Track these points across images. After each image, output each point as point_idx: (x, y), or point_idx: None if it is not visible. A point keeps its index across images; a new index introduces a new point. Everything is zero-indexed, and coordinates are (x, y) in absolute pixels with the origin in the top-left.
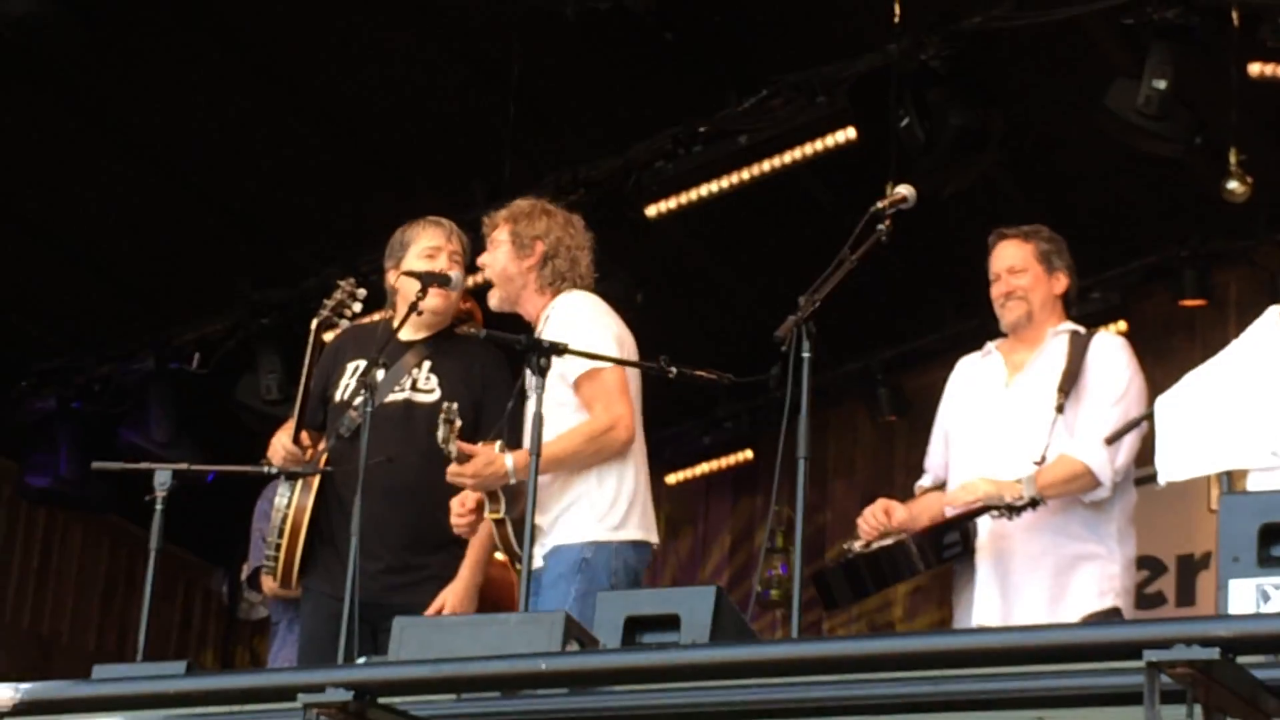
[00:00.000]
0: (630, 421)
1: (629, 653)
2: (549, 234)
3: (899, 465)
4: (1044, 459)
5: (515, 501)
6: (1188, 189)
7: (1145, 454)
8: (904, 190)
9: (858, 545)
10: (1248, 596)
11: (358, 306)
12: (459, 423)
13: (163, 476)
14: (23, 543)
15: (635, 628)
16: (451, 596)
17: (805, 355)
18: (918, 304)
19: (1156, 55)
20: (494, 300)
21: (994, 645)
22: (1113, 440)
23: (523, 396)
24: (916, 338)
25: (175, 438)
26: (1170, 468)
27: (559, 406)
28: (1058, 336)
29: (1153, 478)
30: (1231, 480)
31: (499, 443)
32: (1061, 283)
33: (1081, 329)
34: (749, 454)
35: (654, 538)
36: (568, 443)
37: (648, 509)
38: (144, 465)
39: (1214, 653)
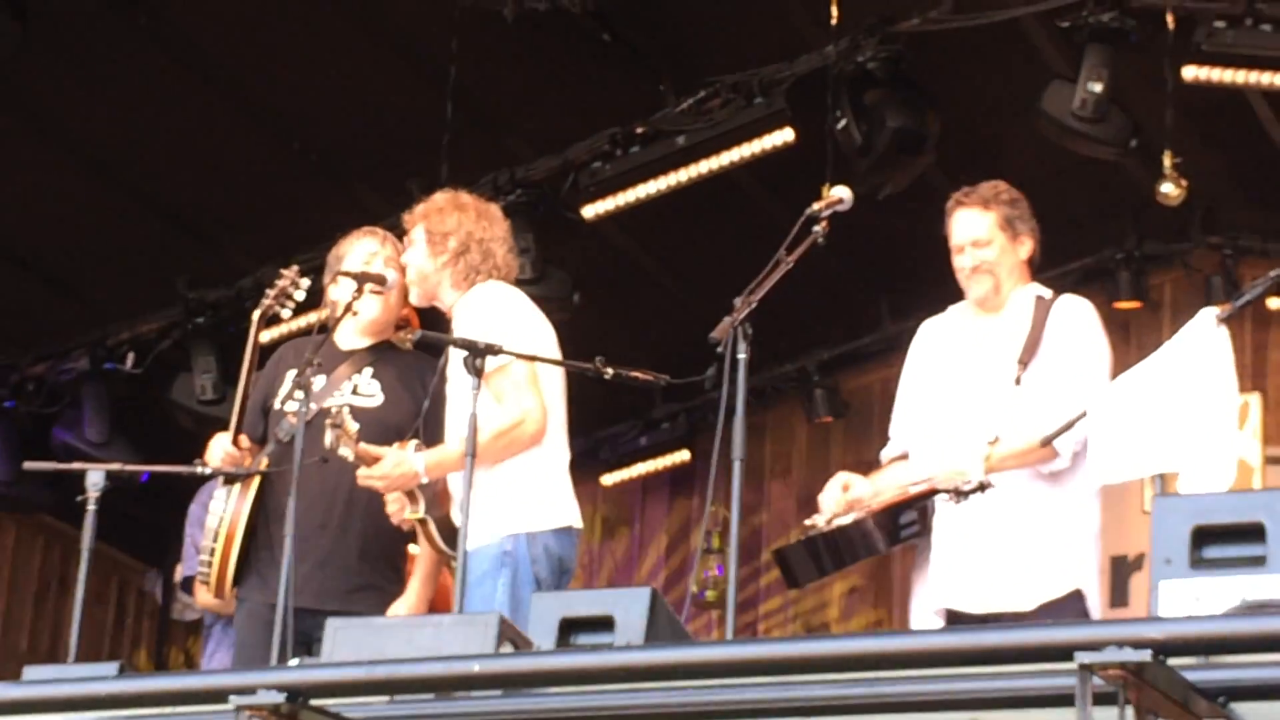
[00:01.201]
0: (539, 414)
1: (562, 654)
2: (460, 228)
3: (835, 466)
4: (997, 440)
5: (435, 503)
6: (1123, 192)
7: None
8: (840, 192)
9: (820, 522)
10: (1180, 599)
11: (300, 295)
12: (351, 426)
13: (95, 477)
14: None
15: (570, 629)
16: (402, 610)
17: (741, 356)
18: (854, 305)
19: (1092, 58)
20: (413, 297)
21: (927, 647)
22: (1048, 442)
23: (440, 395)
24: (853, 339)
25: (109, 438)
26: (1104, 471)
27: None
28: (1023, 300)
29: None
30: (1164, 483)
31: (413, 442)
32: (1027, 247)
33: (1047, 292)
34: (686, 455)
35: (575, 521)
36: (479, 440)
37: (564, 494)
38: (76, 466)
39: (1146, 655)
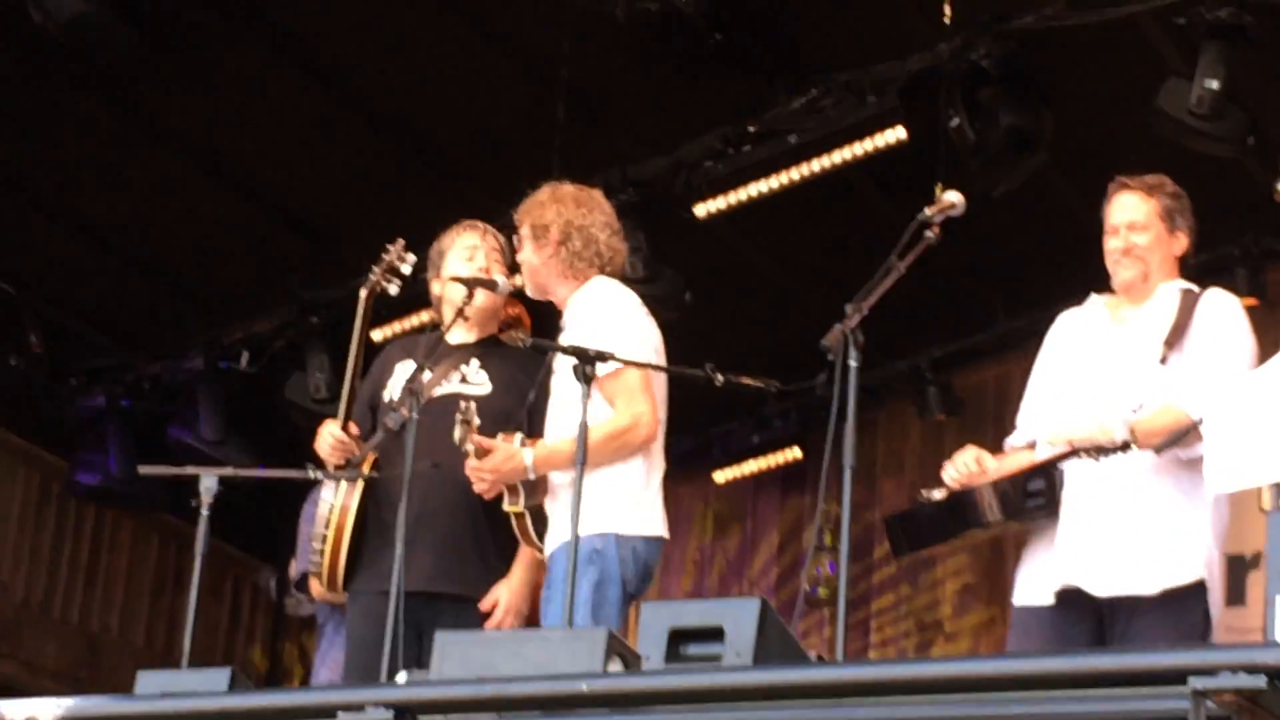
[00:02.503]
0: (651, 419)
1: (670, 675)
2: (560, 218)
3: None
4: (1141, 407)
5: (534, 494)
6: (1240, 188)
7: None
8: (952, 197)
9: (937, 494)
10: None
11: (407, 269)
12: (477, 422)
13: (209, 482)
14: (72, 539)
15: (679, 639)
16: (505, 593)
17: (852, 364)
18: (967, 302)
19: (1209, 55)
20: (529, 291)
21: (1039, 670)
22: (1161, 450)
23: (544, 389)
24: (966, 336)
25: (224, 436)
26: (1220, 478)
27: (579, 401)
28: (1169, 293)
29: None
30: None
31: (519, 435)
32: (1181, 243)
33: (1194, 286)
34: (798, 452)
35: (664, 532)
36: (589, 440)
37: (657, 504)
38: (189, 470)
39: (1261, 680)
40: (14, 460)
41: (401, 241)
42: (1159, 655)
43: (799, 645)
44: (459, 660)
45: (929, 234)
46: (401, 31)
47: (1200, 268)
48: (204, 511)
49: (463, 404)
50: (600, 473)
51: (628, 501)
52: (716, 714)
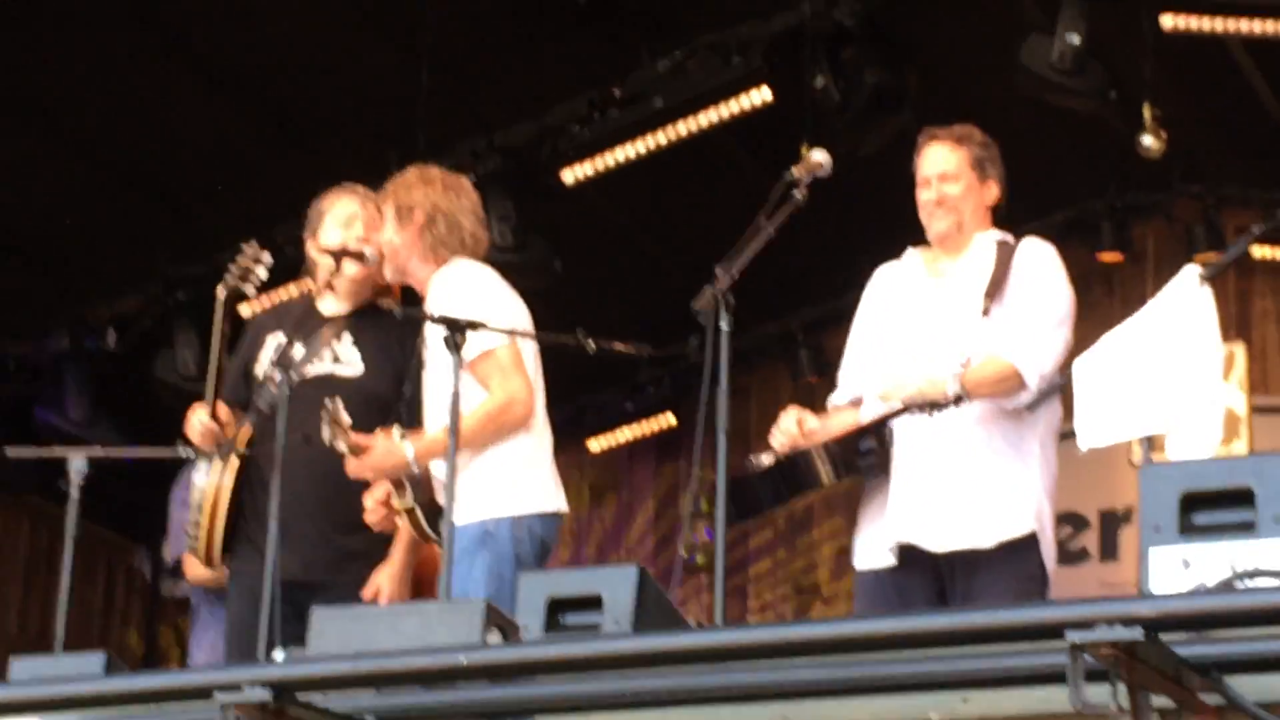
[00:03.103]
0: (527, 396)
1: (548, 644)
2: (426, 200)
3: None
4: (969, 362)
5: (420, 488)
6: (1104, 143)
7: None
8: (819, 157)
9: (765, 459)
10: (1170, 566)
11: (263, 272)
12: (347, 420)
13: (78, 463)
14: None
15: (558, 609)
16: (386, 579)
17: (724, 327)
18: (836, 264)
19: (1069, 9)
20: (386, 273)
21: (915, 629)
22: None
23: (418, 380)
24: (836, 297)
25: (93, 416)
26: (1089, 433)
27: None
28: (985, 243)
29: (1070, 433)
30: (1152, 444)
31: (396, 428)
32: (993, 192)
33: (1009, 237)
34: (671, 419)
35: (560, 506)
36: (466, 424)
37: (550, 479)
38: (58, 451)
39: (1137, 632)
40: None
41: (255, 243)
42: (1035, 610)
43: (678, 612)
44: (336, 636)
45: (796, 194)
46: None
47: (1066, 223)
48: (74, 494)
49: (328, 403)
50: (484, 455)
51: (516, 480)
52: (596, 683)
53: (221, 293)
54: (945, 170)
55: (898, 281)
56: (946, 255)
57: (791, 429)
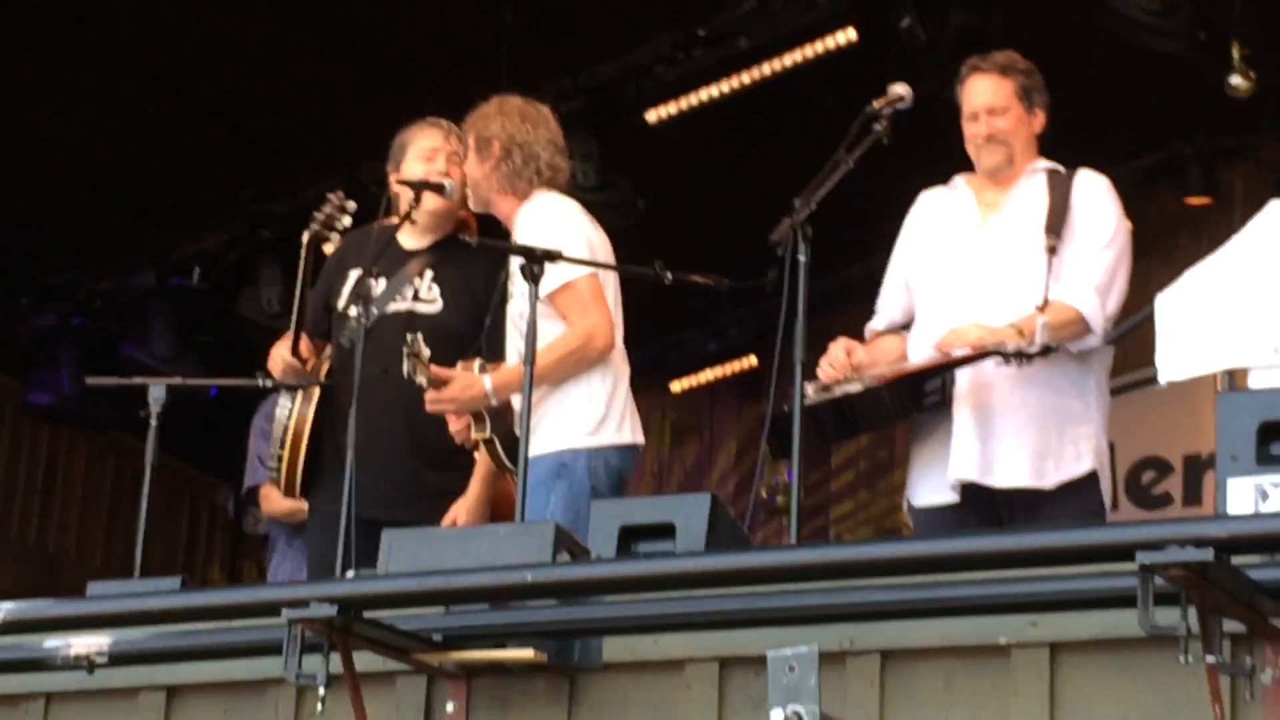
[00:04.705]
0: (607, 329)
1: (615, 563)
2: (503, 132)
3: None
4: (1046, 303)
5: (500, 419)
6: (1192, 85)
7: (1145, 354)
8: (900, 89)
9: (811, 390)
10: (1246, 496)
11: (347, 220)
12: (427, 353)
13: (157, 392)
14: (27, 459)
15: (629, 537)
16: (462, 511)
17: (801, 258)
18: None
19: None
20: (471, 204)
21: (987, 549)
22: (1114, 341)
23: (500, 312)
24: None
25: (177, 353)
26: (1171, 367)
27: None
28: (1035, 175)
29: (1154, 379)
30: (1233, 379)
31: (477, 361)
32: (1040, 120)
33: (1060, 167)
34: (754, 360)
35: (637, 438)
36: (547, 358)
37: (628, 412)
38: (137, 380)
39: (1208, 554)
40: None
41: (340, 192)
42: (1106, 531)
43: (750, 541)
44: (406, 557)
45: (877, 127)
46: None
47: (1152, 167)
48: (153, 422)
49: (409, 337)
50: (562, 388)
51: (594, 413)
52: (667, 604)
53: (305, 237)
54: (993, 103)
55: (946, 211)
56: (996, 187)
57: (840, 359)
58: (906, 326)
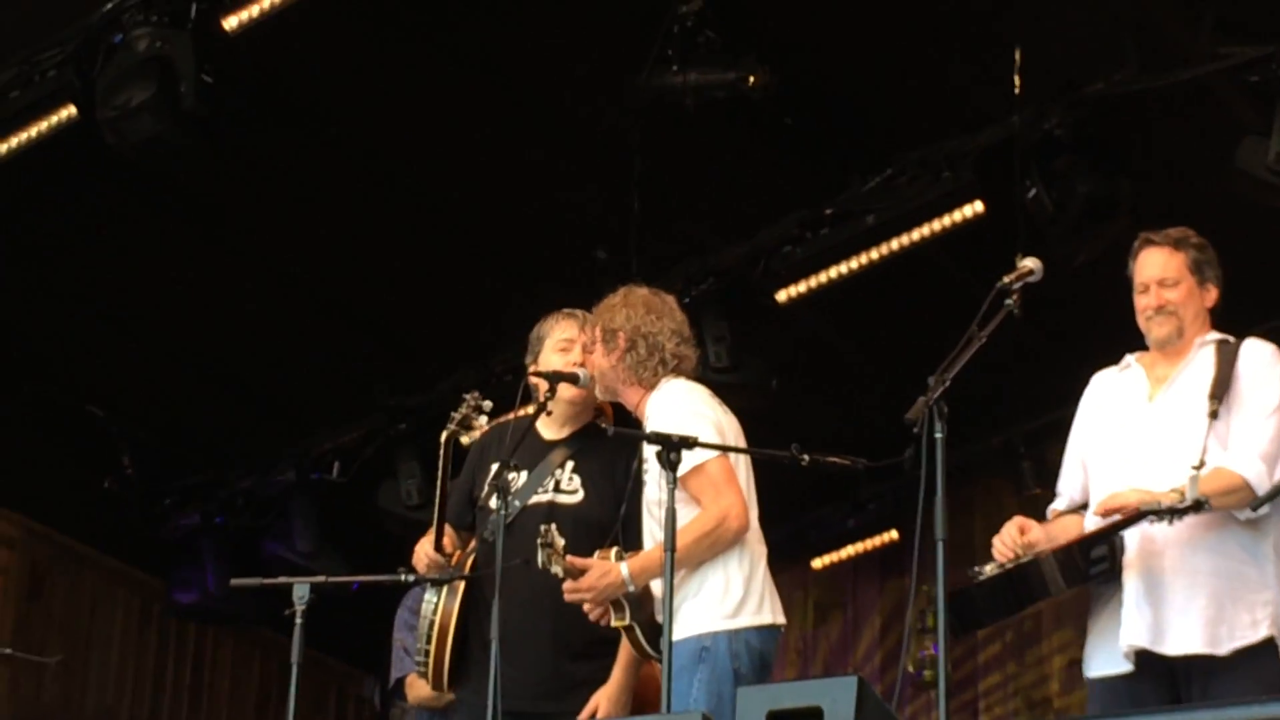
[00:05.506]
0: (741, 510)
1: None
2: (628, 323)
3: None
4: (1203, 464)
5: (640, 606)
6: None
7: None
8: (1030, 263)
9: (988, 568)
10: None
11: (483, 420)
12: (561, 542)
13: (301, 590)
14: (175, 658)
15: None
16: (604, 700)
17: (938, 436)
18: (1055, 374)
19: None
20: (599, 393)
21: None
22: (1258, 505)
23: (636, 500)
24: (1056, 408)
25: (319, 548)
26: None
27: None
28: (1205, 346)
29: None
30: None
31: (614, 549)
32: (1212, 295)
33: (1230, 338)
34: (894, 534)
35: (778, 618)
36: (682, 540)
37: (767, 592)
38: (281, 580)
39: None
40: (112, 583)
41: (476, 393)
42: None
43: None
44: None
45: (1009, 302)
46: (472, 132)
47: None
48: (298, 620)
49: (543, 528)
50: (699, 570)
51: (732, 595)
52: None
53: (444, 436)
54: (1164, 275)
55: (1118, 389)
56: (1166, 361)
57: (1013, 536)
58: (1087, 506)
